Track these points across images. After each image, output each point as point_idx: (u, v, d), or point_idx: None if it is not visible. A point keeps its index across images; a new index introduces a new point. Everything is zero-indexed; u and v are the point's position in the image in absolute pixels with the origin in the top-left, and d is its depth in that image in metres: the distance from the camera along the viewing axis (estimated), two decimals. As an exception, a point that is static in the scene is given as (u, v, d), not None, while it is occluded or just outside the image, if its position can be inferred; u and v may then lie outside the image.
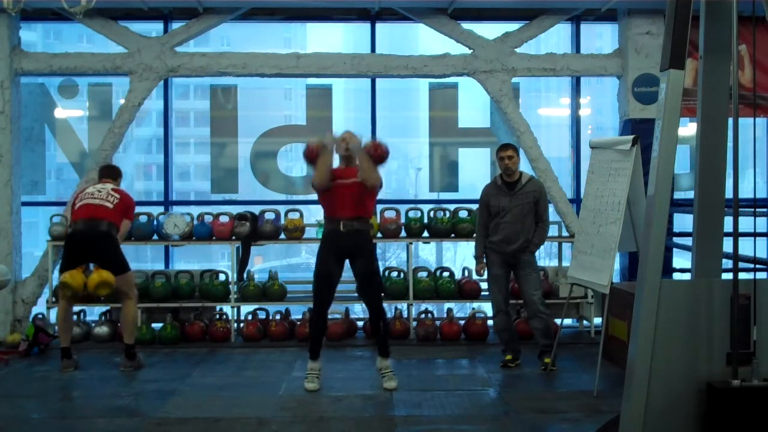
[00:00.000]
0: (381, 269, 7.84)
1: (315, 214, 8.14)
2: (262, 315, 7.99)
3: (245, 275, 7.89)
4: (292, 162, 9.67)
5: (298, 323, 7.79)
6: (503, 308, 6.61)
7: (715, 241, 4.05)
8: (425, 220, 7.99)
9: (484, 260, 6.63)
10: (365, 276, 5.98)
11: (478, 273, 6.73)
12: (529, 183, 6.52)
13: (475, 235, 6.79)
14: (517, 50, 8.24)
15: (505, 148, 6.51)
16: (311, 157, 5.93)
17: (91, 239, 6.49)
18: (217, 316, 7.92)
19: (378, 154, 5.91)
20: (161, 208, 8.33)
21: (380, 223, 7.88)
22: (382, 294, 6.32)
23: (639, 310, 3.62)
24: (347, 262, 6.02)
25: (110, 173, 6.92)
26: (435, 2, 8.06)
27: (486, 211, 6.56)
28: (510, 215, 6.43)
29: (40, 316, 7.62)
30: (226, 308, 7.97)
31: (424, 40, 11.89)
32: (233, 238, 7.84)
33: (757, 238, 6.80)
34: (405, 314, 7.93)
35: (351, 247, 5.90)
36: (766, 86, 7.97)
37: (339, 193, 5.87)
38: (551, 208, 8.29)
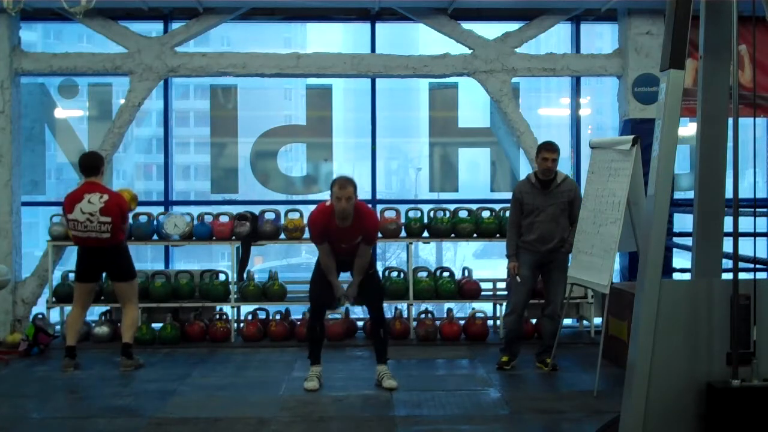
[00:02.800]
0: (381, 269, 7.86)
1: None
2: (262, 315, 7.99)
3: (245, 275, 7.89)
4: (292, 162, 9.68)
5: (298, 323, 7.79)
6: (519, 311, 6.51)
7: (715, 241, 4.05)
8: (425, 220, 7.98)
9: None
10: (365, 282, 5.99)
11: (513, 272, 6.47)
12: (565, 182, 6.44)
13: (507, 232, 6.61)
14: (517, 50, 8.24)
15: (550, 150, 6.34)
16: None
17: (100, 257, 6.57)
18: (217, 316, 7.92)
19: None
20: (161, 208, 8.33)
21: (380, 223, 7.87)
22: (383, 297, 6.34)
23: (639, 310, 3.62)
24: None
25: (93, 168, 6.59)
26: (435, 2, 8.06)
27: (519, 209, 6.44)
28: (544, 214, 6.35)
29: (40, 316, 7.62)
30: (226, 308, 7.97)
31: (424, 40, 11.89)
32: (233, 238, 7.84)
33: (757, 238, 6.79)
34: (405, 314, 7.93)
35: (349, 262, 5.95)
36: (766, 86, 7.96)
37: (338, 250, 5.88)
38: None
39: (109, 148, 8.04)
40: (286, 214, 7.96)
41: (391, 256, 17.45)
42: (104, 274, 6.92)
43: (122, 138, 8.26)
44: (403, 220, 7.97)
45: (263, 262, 14.28)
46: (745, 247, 4.13)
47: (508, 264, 6.53)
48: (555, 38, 11.27)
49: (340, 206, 5.63)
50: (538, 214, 6.36)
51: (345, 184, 5.64)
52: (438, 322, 7.83)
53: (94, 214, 6.42)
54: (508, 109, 8.21)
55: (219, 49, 8.69)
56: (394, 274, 8.05)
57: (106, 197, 6.48)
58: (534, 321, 7.61)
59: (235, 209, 8.09)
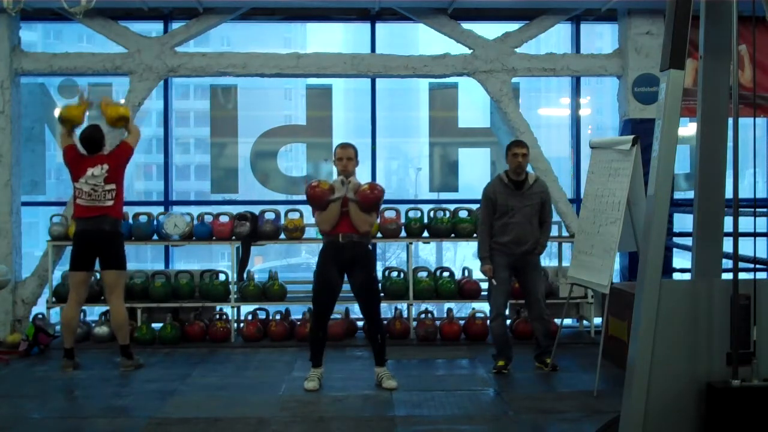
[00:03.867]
0: (381, 269, 7.87)
1: (315, 214, 8.14)
2: (262, 315, 7.99)
3: (245, 275, 7.89)
4: (292, 162, 9.68)
5: (298, 323, 7.79)
6: (503, 312, 6.49)
7: (715, 241, 4.04)
8: (425, 220, 7.98)
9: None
10: (363, 286, 5.99)
11: (487, 274, 6.38)
12: (536, 183, 6.42)
13: (478, 234, 6.53)
14: (517, 50, 8.24)
15: (519, 145, 6.37)
16: (318, 200, 5.88)
17: (96, 238, 6.54)
18: (217, 316, 7.92)
19: (373, 196, 5.87)
20: (161, 208, 8.33)
21: (380, 223, 7.87)
22: (380, 301, 6.33)
23: (639, 310, 3.62)
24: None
25: (97, 144, 6.68)
26: (435, 2, 8.06)
27: (491, 210, 6.34)
28: (519, 215, 6.28)
29: (40, 316, 7.62)
30: (226, 308, 7.97)
31: (424, 40, 11.92)
32: (233, 238, 7.84)
33: (757, 238, 6.80)
34: (405, 314, 7.93)
35: (350, 258, 5.93)
36: (766, 86, 7.97)
37: (339, 217, 5.88)
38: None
39: (109, 148, 8.01)
40: (286, 214, 7.96)
41: (391, 256, 17.48)
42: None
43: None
44: (403, 220, 7.98)
45: (263, 262, 14.31)
46: (745, 247, 4.12)
47: (482, 267, 6.42)
48: (555, 38, 11.29)
49: (342, 165, 5.91)
50: (513, 215, 6.28)
51: (346, 145, 6.04)
52: (438, 322, 7.83)
53: (98, 185, 6.54)
54: (508, 109, 8.21)
55: (219, 49, 8.69)
56: (394, 274, 8.05)
57: (106, 166, 6.57)
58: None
59: (235, 209, 8.09)
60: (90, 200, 6.55)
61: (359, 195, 5.86)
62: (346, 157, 5.95)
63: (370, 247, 6.15)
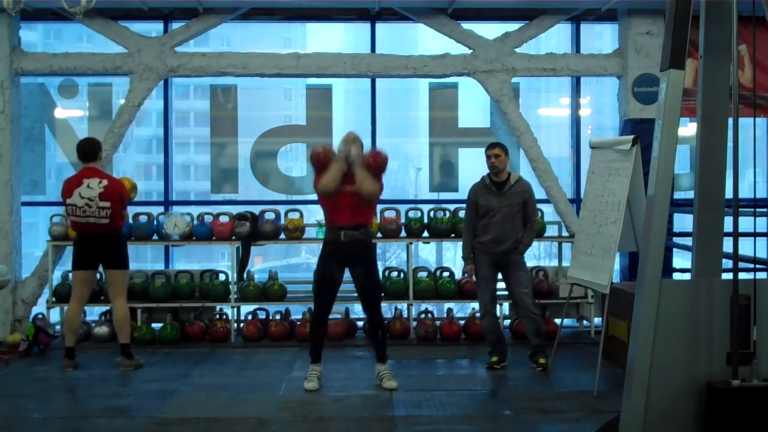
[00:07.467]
0: (381, 269, 7.86)
1: (315, 214, 8.15)
2: (262, 315, 7.99)
3: (245, 275, 7.89)
4: (292, 162, 9.67)
5: (298, 323, 7.79)
6: (491, 309, 6.56)
7: (715, 241, 4.05)
8: (425, 220, 7.99)
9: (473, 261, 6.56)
10: (365, 284, 6.00)
11: (468, 274, 6.67)
12: (518, 183, 6.48)
13: (462, 235, 6.71)
14: (517, 50, 8.24)
15: (491, 147, 6.52)
16: (319, 163, 5.89)
17: (98, 238, 6.52)
18: (217, 316, 7.92)
19: (376, 163, 5.87)
20: (161, 208, 8.33)
21: (380, 223, 7.88)
22: (382, 299, 6.34)
23: (639, 310, 3.62)
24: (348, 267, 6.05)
25: (91, 153, 6.59)
26: (435, 2, 8.06)
27: (474, 211, 6.51)
28: (499, 215, 6.39)
29: (40, 316, 7.62)
30: (226, 308, 7.97)
31: (424, 40, 11.90)
32: (233, 238, 7.84)
33: (757, 238, 6.79)
34: (405, 314, 7.93)
35: (352, 256, 5.92)
36: (766, 86, 7.96)
37: (341, 200, 5.85)
38: (551, 208, 8.31)
39: (109, 148, 8.03)
40: (286, 214, 7.96)
41: (391, 256, 17.45)
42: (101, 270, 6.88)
43: (122, 138, 8.27)
44: (403, 220, 7.97)
45: (263, 262, 14.28)
46: (745, 247, 4.13)
47: (464, 267, 6.62)
48: (555, 38, 11.28)
49: (347, 148, 5.84)
50: (493, 215, 6.40)
51: (351, 132, 6.00)
52: (438, 322, 7.83)
53: (93, 199, 6.41)
54: (508, 109, 8.21)
55: (219, 49, 8.69)
56: (394, 274, 8.05)
57: (105, 182, 6.49)
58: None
59: (235, 209, 8.09)
60: (85, 216, 6.44)
61: (365, 161, 5.86)
62: (351, 139, 5.91)
63: (372, 241, 6.16)
